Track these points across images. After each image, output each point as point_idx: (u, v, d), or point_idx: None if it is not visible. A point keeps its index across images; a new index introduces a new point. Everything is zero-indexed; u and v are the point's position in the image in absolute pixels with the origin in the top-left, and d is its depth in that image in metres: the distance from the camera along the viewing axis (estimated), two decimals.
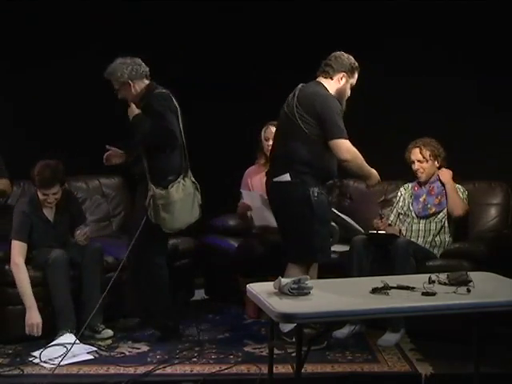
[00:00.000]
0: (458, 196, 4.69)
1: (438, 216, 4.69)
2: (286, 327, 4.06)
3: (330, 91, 4.21)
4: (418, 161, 4.73)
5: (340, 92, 4.24)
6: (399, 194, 4.93)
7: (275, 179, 4.19)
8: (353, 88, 4.30)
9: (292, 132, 4.16)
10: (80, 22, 5.64)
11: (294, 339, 4.01)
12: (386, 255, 4.44)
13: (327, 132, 4.08)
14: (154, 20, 5.77)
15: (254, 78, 5.67)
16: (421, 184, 4.82)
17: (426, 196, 4.76)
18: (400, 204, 4.87)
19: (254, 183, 5.09)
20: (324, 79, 4.26)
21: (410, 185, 4.89)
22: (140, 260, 4.38)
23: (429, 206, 4.72)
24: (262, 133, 5.00)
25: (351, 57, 4.27)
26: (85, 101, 5.59)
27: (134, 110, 4.35)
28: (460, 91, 5.31)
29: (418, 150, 4.73)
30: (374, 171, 4.26)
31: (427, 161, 4.72)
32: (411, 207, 4.79)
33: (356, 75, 4.28)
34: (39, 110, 5.58)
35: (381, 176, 5.03)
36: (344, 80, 4.24)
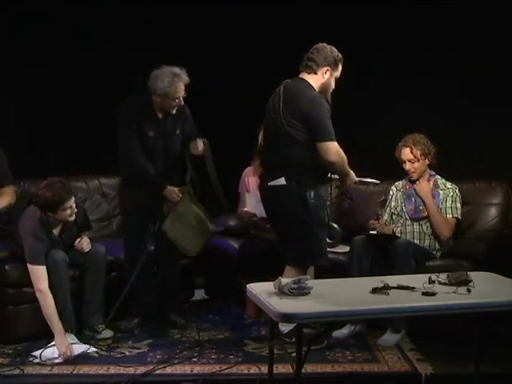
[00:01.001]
0: (439, 216, 4.60)
1: None
2: (286, 328, 4.06)
3: (315, 86, 4.16)
4: (409, 161, 4.67)
5: (324, 86, 4.18)
6: (391, 192, 4.88)
7: (270, 183, 4.15)
8: (338, 80, 4.24)
9: (282, 137, 4.11)
10: (80, 21, 5.64)
11: (293, 339, 4.01)
12: (386, 255, 4.43)
13: (315, 134, 4.04)
14: (154, 20, 5.77)
15: (254, 78, 5.66)
16: (411, 182, 4.77)
17: (415, 197, 4.70)
18: (393, 204, 4.83)
19: (252, 184, 5.09)
20: (308, 75, 4.19)
21: (401, 183, 4.84)
22: (166, 257, 4.65)
23: (421, 208, 4.66)
24: (260, 135, 5.00)
25: (334, 48, 4.20)
26: (85, 101, 5.59)
27: None
28: (460, 91, 5.31)
29: (408, 149, 4.66)
30: (352, 171, 4.24)
31: (418, 160, 4.66)
32: (404, 208, 4.75)
33: (340, 67, 4.21)
34: (39, 109, 5.58)
35: (380, 176, 5.05)
36: (328, 74, 4.17)
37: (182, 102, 4.49)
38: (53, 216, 4.28)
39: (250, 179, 5.13)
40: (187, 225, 4.50)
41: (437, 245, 4.62)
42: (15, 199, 4.82)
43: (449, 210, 4.63)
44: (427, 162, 4.69)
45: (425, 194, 4.65)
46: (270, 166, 4.23)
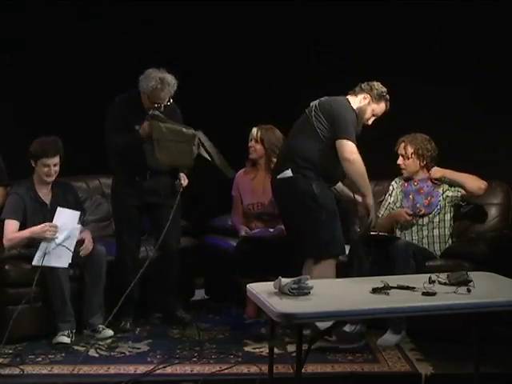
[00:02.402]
0: (466, 175, 4.64)
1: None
2: (324, 326, 4.04)
3: (353, 106, 4.30)
4: (401, 155, 4.71)
5: (359, 111, 4.32)
6: (391, 188, 4.87)
7: (278, 176, 4.26)
8: (377, 120, 4.37)
9: (303, 129, 4.27)
10: (82, 22, 5.64)
11: (333, 337, 4.08)
12: (386, 256, 4.43)
13: (336, 130, 4.16)
14: (154, 20, 5.77)
15: (253, 80, 5.67)
16: (406, 180, 4.78)
17: (414, 194, 4.71)
18: (392, 199, 4.82)
19: (243, 188, 5.11)
20: (350, 96, 4.38)
21: (401, 179, 4.84)
22: (172, 251, 4.68)
23: (418, 205, 4.67)
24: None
25: (383, 88, 4.36)
26: (84, 100, 5.59)
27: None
28: (461, 91, 5.31)
29: (403, 144, 4.71)
30: (371, 197, 4.27)
31: (408, 158, 4.69)
32: (402, 204, 4.75)
33: (382, 105, 4.37)
34: (39, 109, 5.58)
35: (381, 175, 5.04)
36: (366, 101, 4.34)
37: (162, 108, 4.51)
38: (35, 168, 4.53)
39: (240, 182, 5.13)
40: (168, 143, 4.47)
41: (436, 238, 4.61)
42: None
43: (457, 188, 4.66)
44: (421, 163, 4.69)
45: (442, 173, 4.66)
46: (281, 159, 4.36)
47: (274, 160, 4.81)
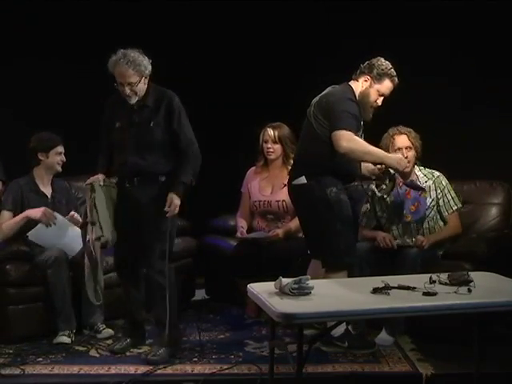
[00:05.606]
0: (446, 233, 4.55)
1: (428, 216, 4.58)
2: (337, 332, 4.04)
3: (356, 92, 4.15)
4: (406, 148, 4.51)
5: (362, 95, 4.14)
6: (370, 193, 4.61)
7: (293, 182, 4.18)
8: (386, 98, 4.17)
9: (307, 133, 4.17)
10: (83, 22, 5.65)
11: (346, 343, 4.07)
12: (389, 261, 4.35)
13: (330, 126, 4.00)
14: (153, 19, 5.77)
15: (254, 80, 5.67)
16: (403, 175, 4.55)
17: (402, 198, 4.56)
18: (372, 206, 4.70)
19: (252, 185, 5.09)
20: (352, 81, 4.21)
21: None
22: (156, 264, 4.11)
23: (405, 212, 4.53)
24: (261, 135, 5.01)
25: (386, 64, 4.14)
26: (85, 100, 5.59)
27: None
28: (461, 91, 5.31)
29: (405, 136, 4.53)
30: (390, 155, 4.08)
31: (411, 148, 4.53)
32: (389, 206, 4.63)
33: (386, 83, 4.12)
34: (39, 109, 5.58)
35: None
36: (367, 84, 4.13)
37: (127, 92, 4.01)
38: (44, 160, 4.62)
39: (251, 181, 5.12)
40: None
41: (432, 230, 4.56)
42: None
43: (448, 206, 4.57)
44: (417, 156, 4.58)
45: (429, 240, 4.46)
46: (295, 164, 4.30)
47: (292, 155, 4.78)
